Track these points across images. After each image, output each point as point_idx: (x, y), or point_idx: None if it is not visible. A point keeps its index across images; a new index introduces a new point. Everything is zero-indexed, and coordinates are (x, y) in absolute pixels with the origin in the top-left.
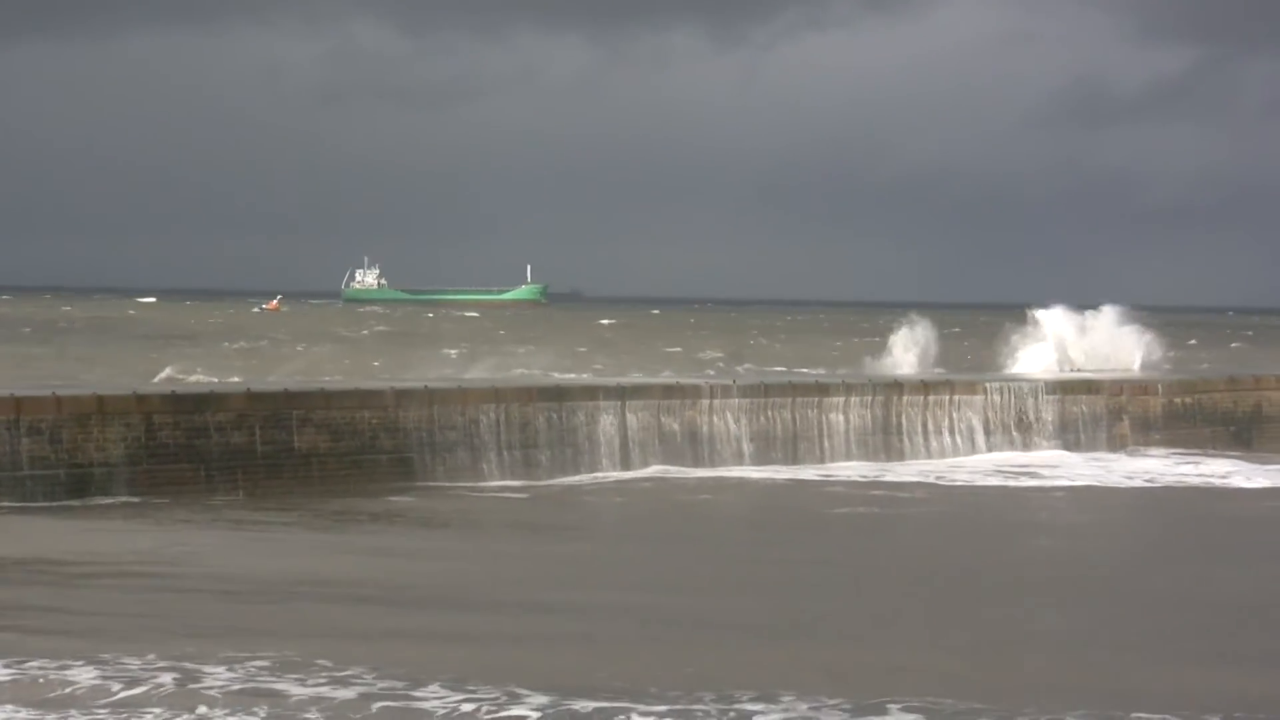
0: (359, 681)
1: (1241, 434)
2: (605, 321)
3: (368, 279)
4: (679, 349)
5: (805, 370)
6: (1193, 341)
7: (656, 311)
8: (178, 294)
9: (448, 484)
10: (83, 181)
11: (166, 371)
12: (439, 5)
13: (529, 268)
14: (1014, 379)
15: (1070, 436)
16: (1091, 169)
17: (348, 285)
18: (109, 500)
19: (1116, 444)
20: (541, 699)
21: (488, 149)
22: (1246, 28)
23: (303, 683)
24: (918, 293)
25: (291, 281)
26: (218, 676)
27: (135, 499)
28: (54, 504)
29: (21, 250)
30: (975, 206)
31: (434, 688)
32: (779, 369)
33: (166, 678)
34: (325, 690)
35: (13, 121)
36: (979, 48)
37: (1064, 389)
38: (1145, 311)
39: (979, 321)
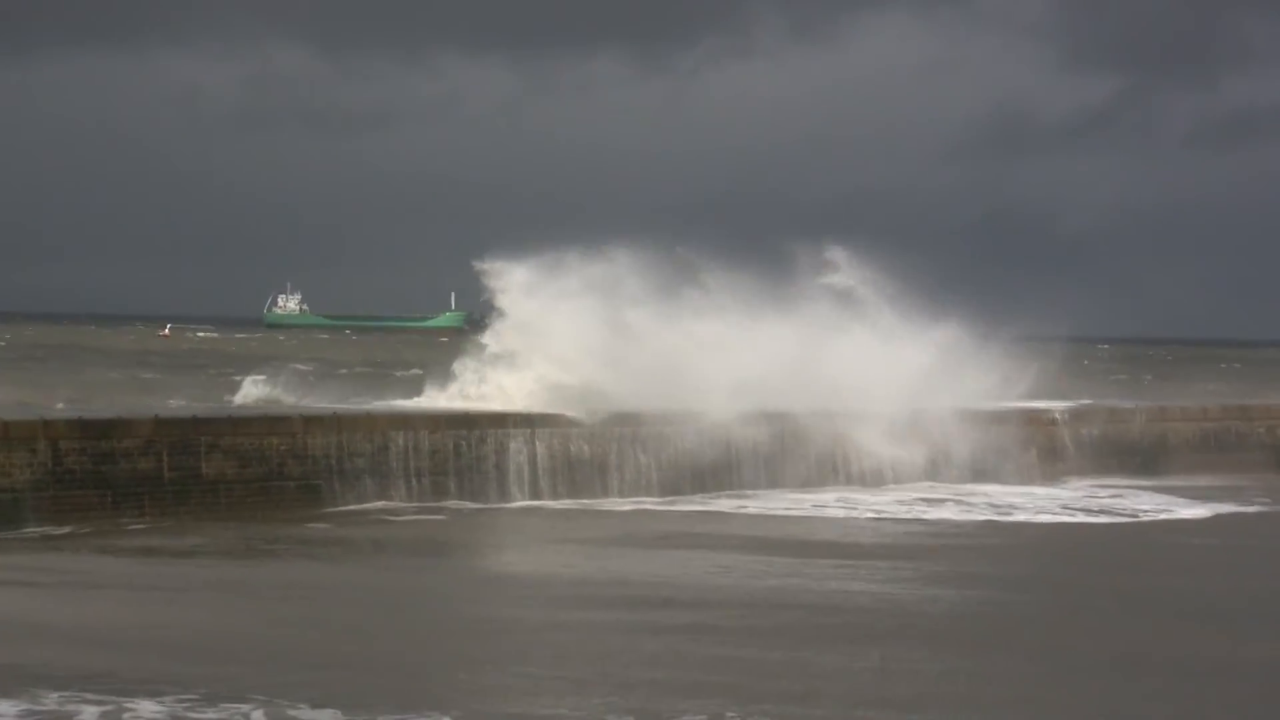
0: None
1: (1147, 464)
2: None
3: (289, 305)
4: None
5: None
6: (1121, 377)
7: None
8: (95, 319)
9: (355, 508)
10: None
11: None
12: (360, 30)
13: (453, 295)
14: (921, 409)
15: (978, 467)
16: (1009, 199)
17: (269, 310)
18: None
19: (1024, 475)
20: None
21: (411, 175)
22: (1169, 58)
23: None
24: None
25: (215, 306)
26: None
27: (50, 529)
28: None
29: None
30: (891, 235)
31: None
32: None
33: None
34: None
35: None
36: (902, 77)
37: (973, 419)
38: (1058, 342)
39: None
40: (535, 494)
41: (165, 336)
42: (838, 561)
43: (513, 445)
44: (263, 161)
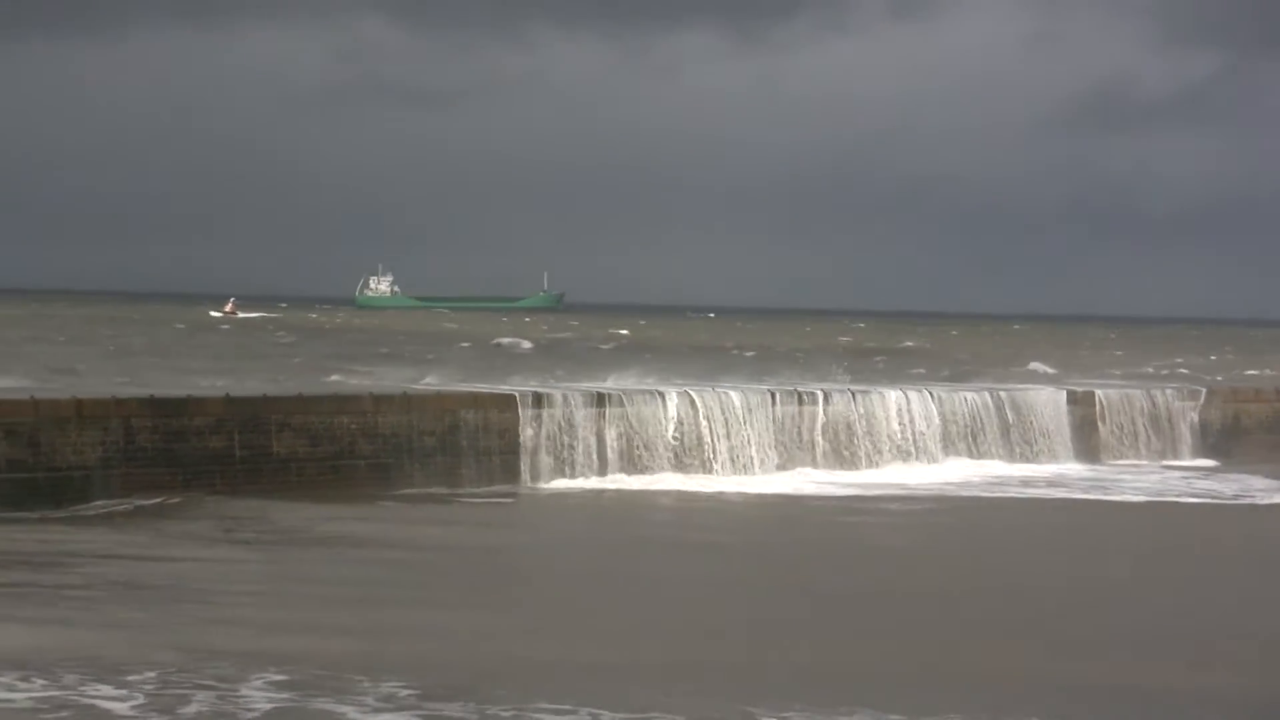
0: None
1: (1219, 445)
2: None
3: (381, 286)
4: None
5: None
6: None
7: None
8: (185, 299)
9: (425, 490)
10: (83, 185)
11: None
12: (451, 4)
13: (546, 275)
14: (1001, 387)
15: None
16: (1104, 176)
17: (361, 292)
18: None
19: (1092, 455)
20: None
21: (500, 152)
22: (1270, 33)
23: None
24: (925, 301)
25: (306, 288)
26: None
27: (119, 504)
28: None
29: (13, 253)
30: (983, 213)
31: None
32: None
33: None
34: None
35: (14, 122)
36: (1001, 53)
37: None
38: (1142, 323)
39: (980, 332)
40: (603, 472)
41: (230, 313)
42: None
43: (582, 425)
44: (350, 139)
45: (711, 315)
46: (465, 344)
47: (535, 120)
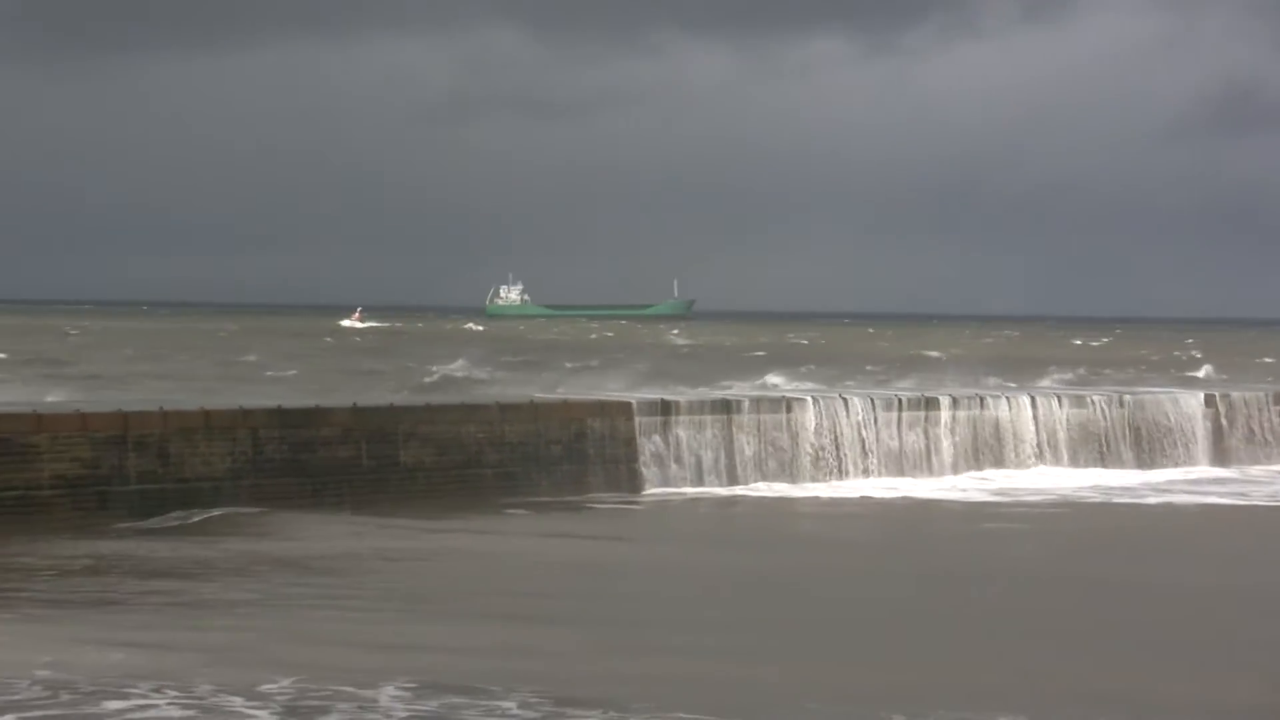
0: None
1: None
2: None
3: (511, 295)
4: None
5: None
6: None
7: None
8: (315, 309)
9: (552, 498)
10: (214, 196)
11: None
12: (579, 9)
13: (676, 282)
14: (1129, 390)
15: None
16: (1237, 178)
17: (491, 302)
18: (217, 512)
19: (1226, 459)
20: None
21: (629, 159)
22: None
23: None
24: (1057, 306)
25: (435, 297)
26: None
27: (247, 514)
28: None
29: (139, 266)
30: (1108, 219)
31: None
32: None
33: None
34: None
35: (142, 136)
36: (1132, 54)
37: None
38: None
39: (1116, 334)
40: (731, 480)
41: (357, 319)
42: None
43: (707, 433)
44: (478, 149)
45: (846, 321)
46: (618, 353)
47: (663, 128)
